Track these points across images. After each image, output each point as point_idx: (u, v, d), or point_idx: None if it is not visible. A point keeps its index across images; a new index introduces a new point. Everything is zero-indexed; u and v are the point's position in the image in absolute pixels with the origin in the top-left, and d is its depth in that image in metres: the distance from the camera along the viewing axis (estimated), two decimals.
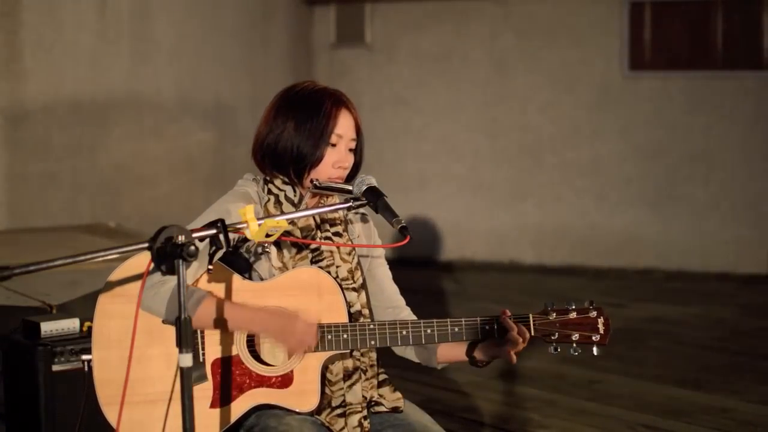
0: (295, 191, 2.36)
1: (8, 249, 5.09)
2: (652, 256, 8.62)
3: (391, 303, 2.51)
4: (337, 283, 2.31)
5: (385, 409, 2.38)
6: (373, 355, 2.40)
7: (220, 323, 2.19)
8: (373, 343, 2.29)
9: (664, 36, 8.55)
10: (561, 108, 8.78)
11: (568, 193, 8.80)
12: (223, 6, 7.98)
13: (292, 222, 2.35)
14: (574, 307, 2.37)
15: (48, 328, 3.24)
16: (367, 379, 2.36)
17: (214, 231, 1.99)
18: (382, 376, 2.42)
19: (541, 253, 8.90)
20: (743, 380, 5.02)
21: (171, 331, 2.20)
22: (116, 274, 2.23)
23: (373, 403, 2.37)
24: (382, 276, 2.53)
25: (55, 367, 3.15)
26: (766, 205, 8.36)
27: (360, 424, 2.31)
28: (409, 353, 2.50)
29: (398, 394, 2.41)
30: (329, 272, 2.33)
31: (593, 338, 2.35)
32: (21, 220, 6.02)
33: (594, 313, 2.36)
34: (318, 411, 2.30)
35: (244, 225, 2.03)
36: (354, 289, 2.37)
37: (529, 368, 5.23)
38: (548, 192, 8.85)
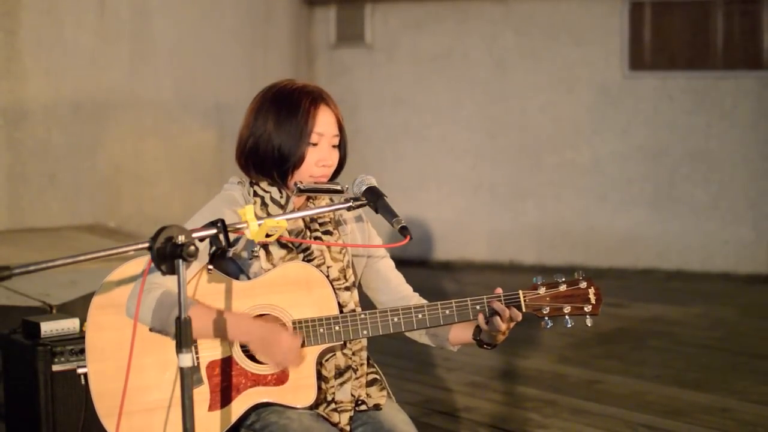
0: (281, 192, 2.35)
1: (8, 249, 5.10)
2: (652, 256, 8.62)
3: (398, 294, 2.50)
4: (327, 278, 2.31)
5: (366, 408, 2.38)
6: (364, 354, 2.40)
7: (206, 331, 2.18)
8: (365, 332, 2.28)
9: (664, 36, 8.55)
10: (561, 108, 8.78)
11: (568, 193, 8.80)
12: (223, 6, 7.98)
13: None
14: (563, 279, 2.35)
15: (48, 328, 3.24)
16: (356, 378, 2.36)
17: (214, 231, 1.99)
18: (372, 376, 2.42)
19: (541, 253, 8.90)
20: (743, 380, 5.02)
21: (163, 338, 2.20)
22: (106, 284, 2.23)
23: (360, 402, 2.37)
24: (386, 269, 2.51)
25: (55, 367, 3.15)
26: (766, 205, 8.36)
27: (349, 423, 2.32)
28: (424, 339, 2.50)
29: (383, 393, 2.41)
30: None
31: (585, 309, 2.33)
32: (21, 220, 6.02)
33: (584, 284, 2.34)
34: (315, 406, 2.30)
35: (244, 225, 2.03)
36: (346, 288, 2.37)
37: (529, 368, 5.23)
38: (548, 192, 8.85)
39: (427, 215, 9.11)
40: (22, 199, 6.07)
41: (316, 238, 2.37)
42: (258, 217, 2.10)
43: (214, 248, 2.01)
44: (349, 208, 2.26)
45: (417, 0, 9.05)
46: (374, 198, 2.24)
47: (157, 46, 7.18)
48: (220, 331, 2.18)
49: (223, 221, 1.99)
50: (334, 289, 2.31)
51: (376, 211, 2.24)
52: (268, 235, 2.08)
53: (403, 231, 2.18)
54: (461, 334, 2.42)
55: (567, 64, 8.72)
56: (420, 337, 2.51)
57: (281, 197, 2.35)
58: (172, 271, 1.86)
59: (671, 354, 5.67)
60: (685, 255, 8.53)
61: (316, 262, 2.34)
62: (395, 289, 2.50)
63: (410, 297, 2.51)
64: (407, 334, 2.47)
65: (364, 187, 2.27)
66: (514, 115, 8.91)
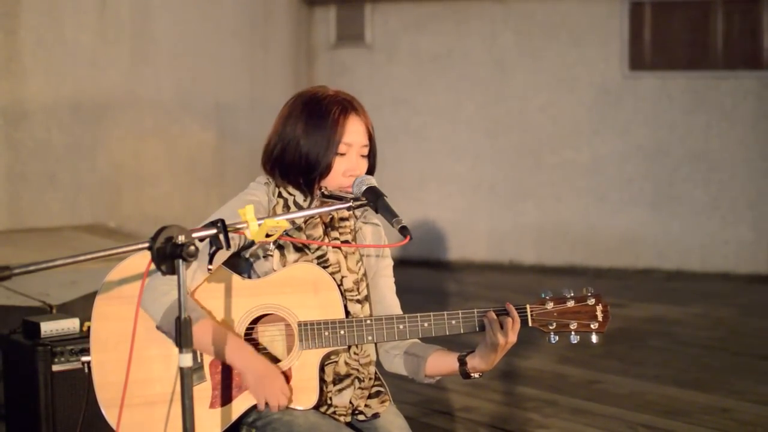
0: (305, 197, 2.35)
1: (8, 249, 5.10)
2: (652, 256, 8.62)
3: (388, 313, 2.47)
4: (335, 281, 2.31)
5: (365, 418, 2.36)
6: (372, 368, 2.39)
7: (208, 348, 2.20)
8: (370, 338, 2.28)
9: (664, 36, 8.55)
10: (561, 108, 8.78)
11: (568, 193, 8.80)
12: (223, 6, 7.98)
13: (299, 228, 2.33)
14: (572, 294, 2.33)
15: (48, 328, 3.23)
16: (360, 389, 2.35)
17: (214, 231, 1.98)
18: (376, 389, 2.40)
19: (541, 253, 8.90)
20: (743, 380, 5.02)
21: None
22: (112, 276, 2.23)
23: (357, 412, 2.36)
24: (384, 287, 2.49)
25: (55, 367, 3.15)
26: (766, 205, 8.36)
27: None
28: (397, 366, 2.46)
29: (385, 404, 2.39)
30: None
31: (592, 326, 2.31)
32: (21, 220, 6.02)
33: (592, 301, 2.32)
34: (316, 407, 2.30)
35: (244, 225, 2.03)
36: (358, 301, 2.36)
37: (529, 368, 5.23)
38: (548, 192, 8.85)
39: (427, 215, 9.11)
40: (22, 199, 6.07)
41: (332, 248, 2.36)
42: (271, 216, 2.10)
43: (213, 248, 2.01)
44: (349, 208, 2.25)
45: (417, 0, 9.05)
46: (374, 198, 2.23)
47: (157, 46, 7.18)
48: (219, 352, 2.19)
49: (223, 221, 1.99)
50: (342, 294, 2.31)
51: (376, 211, 2.24)
52: (268, 235, 2.07)
53: (403, 231, 2.17)
54: (443, 362, 2.36)
55: (567, 64, 8.72)
56: (392, 363, 2.46)
57: (305, 201, 2.34)
58: (172, 271, 1.85)
59: (671, 354, 5.67)
60: (684, 255, 8.53)
61: (331, 269, 2.33)
62: (386, 309, 2.47)
63: None
64: (381, 359, 2.46)
65: (364, 187, 2.26)
66: (514, 115, 8.91)
